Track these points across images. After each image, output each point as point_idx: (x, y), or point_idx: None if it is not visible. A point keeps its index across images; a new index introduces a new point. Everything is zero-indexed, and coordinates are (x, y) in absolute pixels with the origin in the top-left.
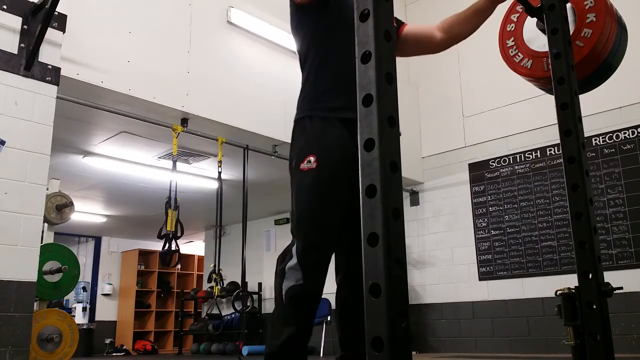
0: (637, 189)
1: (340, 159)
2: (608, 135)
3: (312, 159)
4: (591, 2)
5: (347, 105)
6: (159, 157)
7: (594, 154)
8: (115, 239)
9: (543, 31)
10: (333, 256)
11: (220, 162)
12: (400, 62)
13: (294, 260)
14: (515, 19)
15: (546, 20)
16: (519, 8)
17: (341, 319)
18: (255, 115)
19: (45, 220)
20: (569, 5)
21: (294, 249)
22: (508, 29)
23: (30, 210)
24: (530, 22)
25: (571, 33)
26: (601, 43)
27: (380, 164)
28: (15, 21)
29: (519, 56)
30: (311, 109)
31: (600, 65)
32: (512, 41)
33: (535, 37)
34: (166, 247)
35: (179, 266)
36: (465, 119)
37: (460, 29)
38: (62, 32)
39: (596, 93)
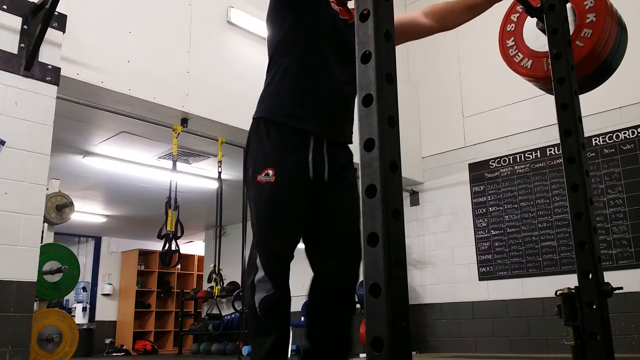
0: (637, 189)
1: (297, 173)
2: (608, 135)
3: (270, 172)
4: (591, 2)
5: (306, 117)
6: (159, 157)
7: (594, 154)
8: (115, 239)
9: (543, 31)
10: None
11: (220, 162)
12: (400, 62)
13: (260, 273)
14: (515, 19)
15: (546, 20)
16: (519, 8)
17: (310, 317)
18: None
19: (45, 220)
20: (569, 5)
21: (258, 261)
22: (508, 29)
23: (30, 210)
24: (530, 22)
25: (571, 33)
26: (601, 43)
27: (380, 164)
28: (15, 21)
29: (519, 56)
30: (269, 111)
31: (600, 65)
32: (512, 41)
33: (535, 37)
34: (166, 247)
35: (179, 266)
36: (465, 119)
37: (451, 21)
38: (62, 32)
39: (596, 93)
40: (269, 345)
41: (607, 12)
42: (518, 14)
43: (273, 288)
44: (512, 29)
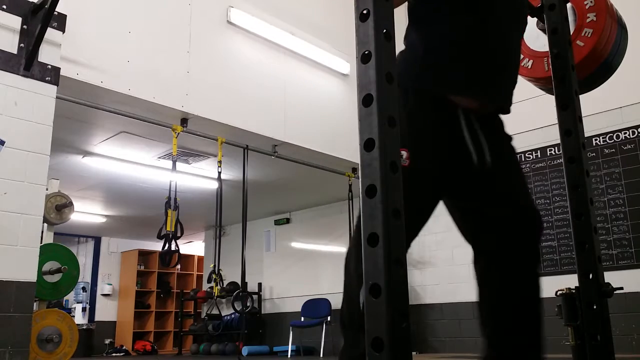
0: (637, 189)
1: (435, 157)
2: (608, 135)
3: (404, 154)
4: (591, 2)
5: (464, 81)
6: (159, 157)
7: (594, 154)
8: (115, 239)
9: (543, 31)
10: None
11: (220, 162)
12: None
13: None
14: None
15: (546, 20)
16: None
17: (489, 315)
18: (255, 115)
19: (45, 220)
20: (569, 4)
21: None
22: None
23: (30, 211)
24: (531, 22)
25: (571, 33)
26: (602, 43)
27: (380, 164)
28: (15, 21)
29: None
30: (414, 80)
31: (601, 64)
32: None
33: (535, 37)
34: (166, 248)
35: (178, 266)
36: None
37: None
38: (61, 32)
39: (596, 93)
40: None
41: (608, 11)
42: None
43: None
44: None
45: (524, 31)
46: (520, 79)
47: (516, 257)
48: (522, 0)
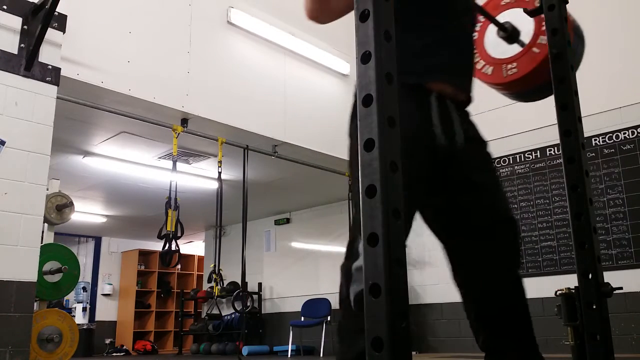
0: (637, 189)
1: (413, 141)
2: (608, 136)
3: None
4: None
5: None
6: (159, 157)
7: (594, 154)
8: (115, 239)
9: (504, 39)
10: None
11: (220, 162)
12: None
13: (361, 260)
14: (477, 28)
15: (546, 20)
16: (481, 18)
17: (479, 322)
18: (255, 115)
19: (45, 220)
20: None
21: (360, 246)
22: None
23: (30, 211)
24: (492, 31)
25: (529, 40)
26: None
27: (380, 164)
28: (16, 21)
29: (480, 63)
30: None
31: None
32: (476, 49)
33: (496, 45)
34: (166, 247)
35: (179, 266)
36: None
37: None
38: (62, 32)
39: (596, 93)
40: (362, 347)
41: None
42: (480, 23)
43: None
44: (475, 37)
45: (474, 27)
46: None
47: (494, 260)
48: (471, 5)
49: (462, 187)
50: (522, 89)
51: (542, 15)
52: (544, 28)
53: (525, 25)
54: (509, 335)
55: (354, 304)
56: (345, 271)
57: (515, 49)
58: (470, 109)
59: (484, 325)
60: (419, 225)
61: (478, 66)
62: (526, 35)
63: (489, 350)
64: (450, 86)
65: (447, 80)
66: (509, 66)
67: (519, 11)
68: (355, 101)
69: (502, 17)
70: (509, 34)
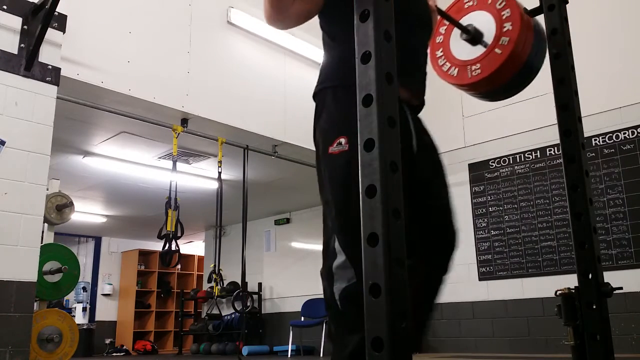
0: (637, 189)
1: None
2: (608, 136)
3: (342, 140)
4: (507, 13)
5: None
6: (159, 157)
7: (593, 154)
8: (115, 239)
9: (467, 41)
10: None
11: (220, 162)
12: None
13: (340, 258)
14: (443, 32)
15: (546, 20)
16: (446, 21)
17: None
18: (255, 115)
19: (45, 220)
20: (489, 15)
21: (336, 245)
22: (437, 41)
23: (30, 211)
24: (456, 34)
25: (491, 41)
26: (518, 48)
27: (380, 164)
28: (16, 21)
29: (446, 65)
30: (336, 78)
31: (522, 68)
32: (441, 52)
33: (460, 48)
34: (166, 247)
35: (179, 266)
36: (465, 119)
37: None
38: (62, 33)
39: (596, 93)
40: (354, 345)
41: (522, 20)
42: (445, 27)
43: (356, 276)
44: (441, 40)
45: (430, 37)
46: None
47: (432, 265)
48: (427, 8)
49: (416, 190)
50: (487, 89)
51: (503, 17)
52: (505, 29)
53: (488, 27)
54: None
55: (340, 301)
56: (326, 273)
57: (479, 50)
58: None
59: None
60: None
61: (444, 68)
62: (489, 37)
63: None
64: (406, 90)
65: (402, 84)
66: (473, 67)
67: (481, 13)
68: (321, 108)
69: (465, 20)
70: (472, 36)
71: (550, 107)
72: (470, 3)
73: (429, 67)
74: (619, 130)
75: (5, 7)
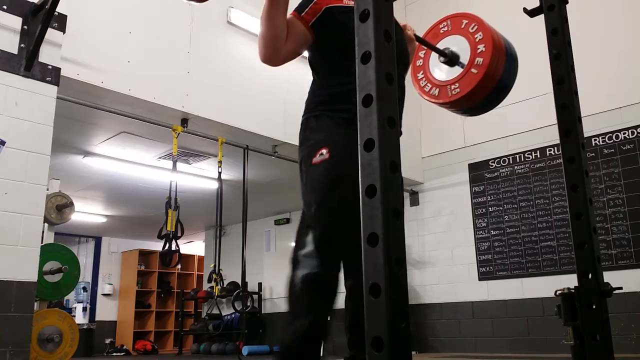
0: (636, 189)
1: (351, 151)
2: (608, 136)
3: (324, 151)
4: (480, 35)
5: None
6: (159, 157)
7: (593, 154)
8: (115, 239)
9: (444, 63)
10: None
11: (220, 162)
12: None
13: (309, 248)
14: (422, 56)
15: (546, 20)
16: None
17: (352, 324)
18: (255, 115)
19: (46, 220)
20: (463, 38)
21: (308, 237)
22: (417, 64)
23: (31, 211)
24: (434, 57)
25: (467, 62)
26: (492, 68)
27: (380, 164)
28: (16, 21)
29: (428, 86)
30: (319, 109)
31: (496, 85)
32: (422, 74)
33: (439, 70)
34: (166, 247)
35: (179, 266)
36: (465, 119)
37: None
38: (62, 33)
39: (596, 93)
40: (300, 328)
41: (494, 42)
42: (424, 51)
43: (319, 266)
44: (421, 63)
45: (407, 70)
46: (520, 79)
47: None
48: (404, 45)
49: None
50: (466, 105)
51: (476, 40)
52: (479, 51)
53: (463, 49)
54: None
55: (300, 284)
56: (293, 258)
57: (457, 71)
58: None
59: (355, 326)
60: (419, 225)
61: (426, 89)
62: (464, 58)
63: (356, 346)
64: None
65: None
66: (453, 87)
67: (456, 37)
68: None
69: (442, 44)
70: (449, 58)
71: (550, 107)
72: (446, 28)
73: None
74: (619, 130)
75: (5, 7)
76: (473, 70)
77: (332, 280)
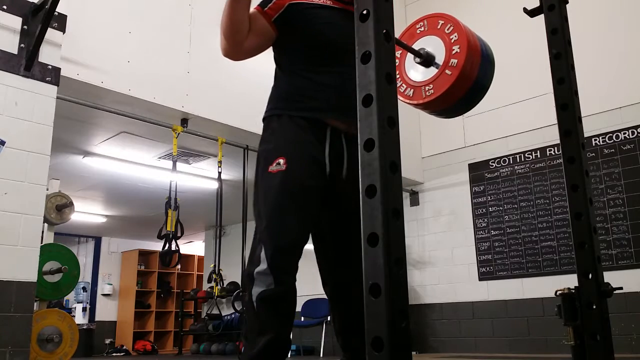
0: (637, 189)
1: (311, 163)
2: (608, 136)
3: (281, 161)
4: (455, 36)
5: (321, 107)
6: (159, 157)
7: (594, 154)
8: (115, 239)
9: (419, 64)
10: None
11: (220, 162)
12: None
13: (263, 265)
14: (398, 55)
15: (546, 20)
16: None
17: (343, 328)
18: (255, 116)
19: (45, 220)
20: (439, 39)
21: (262, 254)
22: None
23: (30, 211)
24: (410, 58)
25: (442, 63)
26: (467, 69)
27: (380, 164)
28: (15, 21)
29: (403, 87)
30: (279, 108)
31: (472, 86)
32: (397, 74)
33: (414, 71)
34: (166, 248)
35: (179, 266)
36: (465, 119)
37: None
38: (62, 32)
39: (596, 93)
40: (261, 345)
41: (469, 42)
42: (400, 51)
43: (274, 283)
44: (397, 64)
45: None
46: (520, 79)
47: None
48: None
49: (338, 217)
50: (440, 107)
51: (451, 41)
52: (454, 52)
53: (439, 50)
54: (361, 335)
55: (256, 303)
56: (247, 275)
57: (432, 71)
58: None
59: (346, 328)
60: (419, 225)
61: (401, 89)
62: (440, 59)
63: (349, 348)
64: (343, 122)
65: (339, 117)
66: (427, 88)
67: (432, 38)
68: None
69: (418, 44)
70: (425, 59)
71: (550, 107)
72: (422, 28)
73: None
74: (619, 130)
75: (5, 7)
76: (447, 71)
77: (288, 296)
